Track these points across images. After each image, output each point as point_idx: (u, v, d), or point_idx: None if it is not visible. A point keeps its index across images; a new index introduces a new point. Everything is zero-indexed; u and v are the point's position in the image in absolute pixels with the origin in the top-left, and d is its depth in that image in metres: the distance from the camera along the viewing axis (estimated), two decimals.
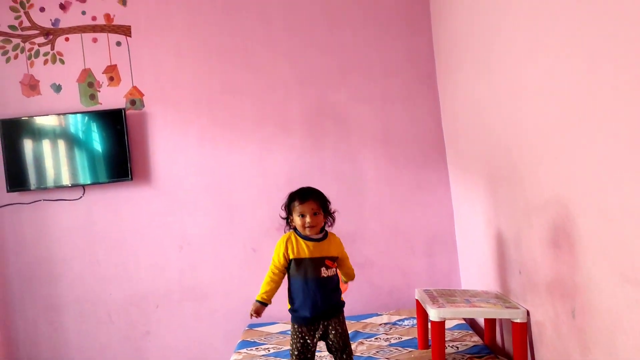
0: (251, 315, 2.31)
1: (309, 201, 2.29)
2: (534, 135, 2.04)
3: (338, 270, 2.39)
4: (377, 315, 3.37)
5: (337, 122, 3.55)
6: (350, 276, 2.49)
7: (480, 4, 2.53)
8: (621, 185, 1.48)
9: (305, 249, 2.29)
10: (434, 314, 2.35)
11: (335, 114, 3.55)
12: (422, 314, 2.73)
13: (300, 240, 2.31)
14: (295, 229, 2.35)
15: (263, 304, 2.31)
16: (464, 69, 2.92)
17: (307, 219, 2.27)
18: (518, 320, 2.29)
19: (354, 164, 3.54)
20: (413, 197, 3.54)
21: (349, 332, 2.54)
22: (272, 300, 3.14)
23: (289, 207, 2.35)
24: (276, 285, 2.34)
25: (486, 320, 2.77)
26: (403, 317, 3.30)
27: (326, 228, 2.39)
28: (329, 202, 2.39)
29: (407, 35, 3.54)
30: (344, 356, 2.32)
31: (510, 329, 2.38)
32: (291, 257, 2.30)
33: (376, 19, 3.54)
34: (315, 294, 2.28)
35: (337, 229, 2.49)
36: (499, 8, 2.29)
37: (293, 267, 2.31)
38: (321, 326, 2.31)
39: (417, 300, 2.76)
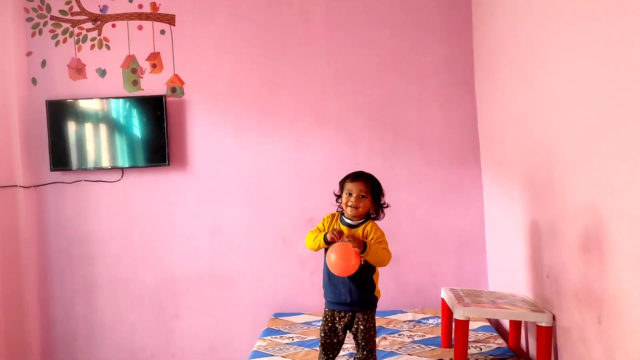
0: (333, 237, 2.19)
1: (359, 181, 2.27)
2: (571, 141, 2.03)
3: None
4: (402, 312, 3.39)
5: (373, 120, 3.57)
6: (377, 258, 2.21)
7: (523, 9, 2.52)
8: None
9: None
10: (458, 313, 2.36)
11: (371, 112, 3.57)
12: (447, 313, 2.74)
13: (339, 222, 2.32)
14: (342, 212, 2.35)
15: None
16: (503, 73, 2.91)
17: (352, 198, 2.25)
18: (544, 324, 2.28)
19: (387, 162, 3.55)
20: (445, 198, 3.55)
21: None
22: (299, 291, 3.28)
23: (342, 185, 2.35)
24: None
25: (511, 322, 2.76)
26: (428, 315, 3.31)
27: (374, 220, 2.33)
28: (383, 194, 2.35)
29: (447, 38, 3.54)
30: (364, 352, 2.27)
31: (535, 333, 2.38)
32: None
33: (417, 20, 3.54)
34: (339, 280, 2.24)
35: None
36: (541, 14, 2.28)
37: (325, 248, 2.27)
38: (347, 316, 2.29)
39: (442, 299, 2.77)
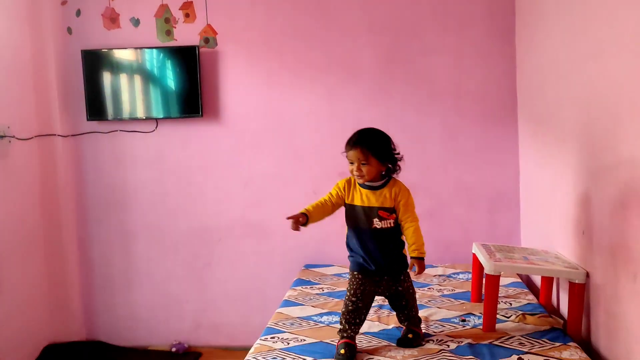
0: (291, 222, 2.13)
1: (355, 149, 2.08)
2: (615, 95, 1.95)
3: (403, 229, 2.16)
4: (432, 267, 3.39)
5: (407, 73, 3.50)
6: (411, 239, 2.14)
7: None
8: None
9: (358, 196, 2.14)
10: (489, 267, 2.34)
11: (406, 64, 3.49)
12: (478, 268, 2.73)
13: (358, 186, 2.16)
14: None
15: (303, 214, 2.14)
16: (545, 24, 2.79)
17: (354, 168, 2.10)
18: (577, 281, 2.25)
19: (421, 116, 3.50)
20: (479, 153, 3.49)
21: None
22: (329, 243, 3.03)
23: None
24: (322, 206, 2.18)
25: (543, 279, 2.73)
26: (458, 270, 3.31)
27: (394, 175, 2.18)
28: (392, 148, 2.15)
29: None
30: (406, 312, 2.21)
31: (567, 290, 2.35)
32: (346, 201, 2.17)
33: None
34: (370, 245, 2.14)
35: (399, 179, 2.38)
36: None
37: (346, 214, 2.19)
38: (384, 281, 2.18)
39: (473, 254, 2.76)
